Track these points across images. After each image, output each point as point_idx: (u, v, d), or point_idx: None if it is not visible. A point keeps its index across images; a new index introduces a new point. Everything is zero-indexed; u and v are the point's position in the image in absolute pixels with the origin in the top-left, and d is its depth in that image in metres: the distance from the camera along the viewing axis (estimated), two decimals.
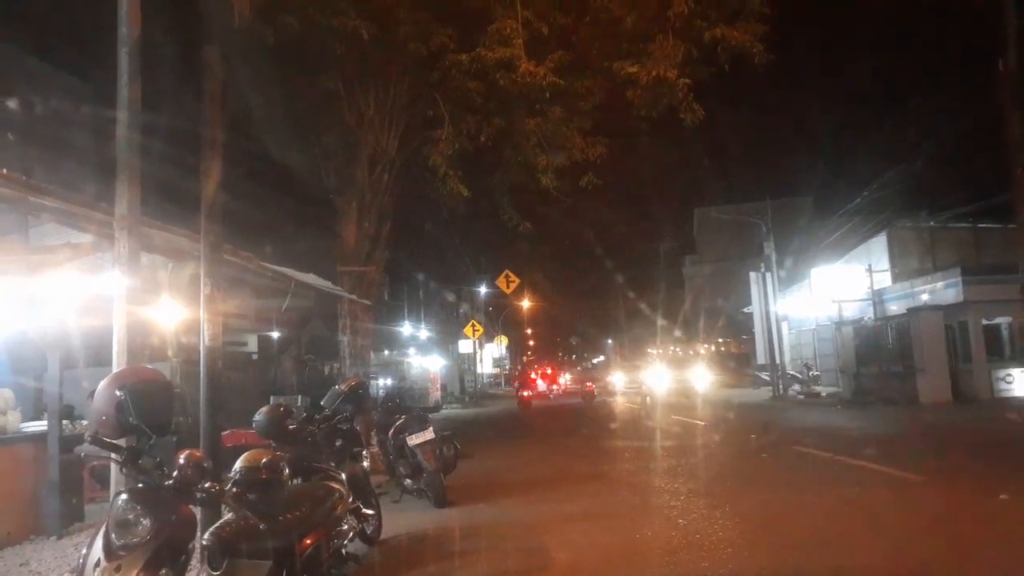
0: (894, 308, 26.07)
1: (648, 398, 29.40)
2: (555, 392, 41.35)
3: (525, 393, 30.81)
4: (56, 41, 13.53)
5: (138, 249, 6.20)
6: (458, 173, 13.01)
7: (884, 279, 27.54)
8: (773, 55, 11.16)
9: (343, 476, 5.65)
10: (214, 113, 6.66)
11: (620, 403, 31.28)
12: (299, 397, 11.65)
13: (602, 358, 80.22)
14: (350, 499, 5.37)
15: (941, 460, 10.42)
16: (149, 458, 3.65)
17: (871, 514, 7.25)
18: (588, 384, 36.66)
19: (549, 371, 45.26)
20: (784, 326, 31.64)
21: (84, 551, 3.62)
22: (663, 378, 30.19)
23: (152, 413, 3.69)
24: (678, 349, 38.21)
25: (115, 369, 5.47)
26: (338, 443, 6.54)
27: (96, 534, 3.60)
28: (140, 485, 3.61)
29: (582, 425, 19.90)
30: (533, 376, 40.90)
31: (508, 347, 59.38)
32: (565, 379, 50.37)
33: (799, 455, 11.54)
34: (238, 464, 4.23)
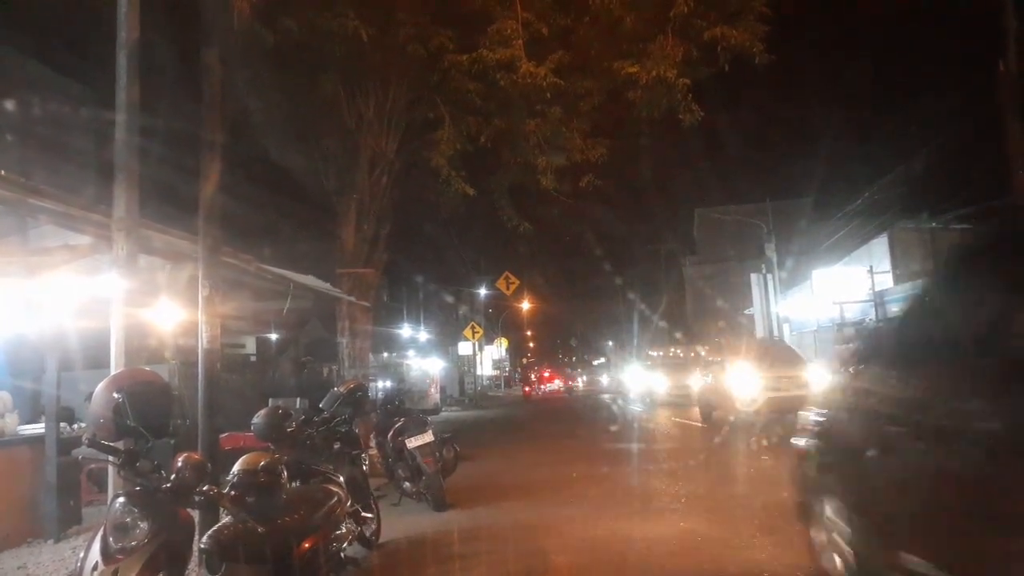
0: (896, 310, 25.98)
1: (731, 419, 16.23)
2: (545, 389, 54.97)
3: (527, 388, 47.93)
4: (55, 43, 13.52)
5: (136, 251, 6.19)
6: (461, 174, 13.01)
7: (886, 280, 27.48)
8: (773, 55, 11.17)
9: (342, 479, 5.62)
10: (213, 115, 6.64)
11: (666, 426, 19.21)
12: (297, 399, 11.61)
13: (602, 360, 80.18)
14: (349, 502, 5.34)
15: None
16: (147, 461, 3.65)
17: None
18: (569, 382, 57.79)
19: (544, 374, 61.72)
20: (785, 328, 31.56)
21: (82, 554, 3.61)
22: (750, 381, 15.41)
23: (150, 416, 3.68)
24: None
25: (113, 371, 5.45)
26: (337, 446, 6.51)
27: (94, 537, 3.59)
28: (138, 488, 3.61)
29: (582, 429, 19.86)
30: (534, 378, 56.45)
31: (508, 349, 59.43)
32: (557, 383, 59.94)
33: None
34: (236, 467, 4.21)
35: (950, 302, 3.98)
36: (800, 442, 5.53)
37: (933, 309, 4.21)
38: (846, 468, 4.54)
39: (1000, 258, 3.70)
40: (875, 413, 4.34)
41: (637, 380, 34.03)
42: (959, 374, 3.56)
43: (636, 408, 26.45)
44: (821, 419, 5.27)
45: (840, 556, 4.50)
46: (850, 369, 5.03)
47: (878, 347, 4.81)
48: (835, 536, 4.60)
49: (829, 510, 4.69)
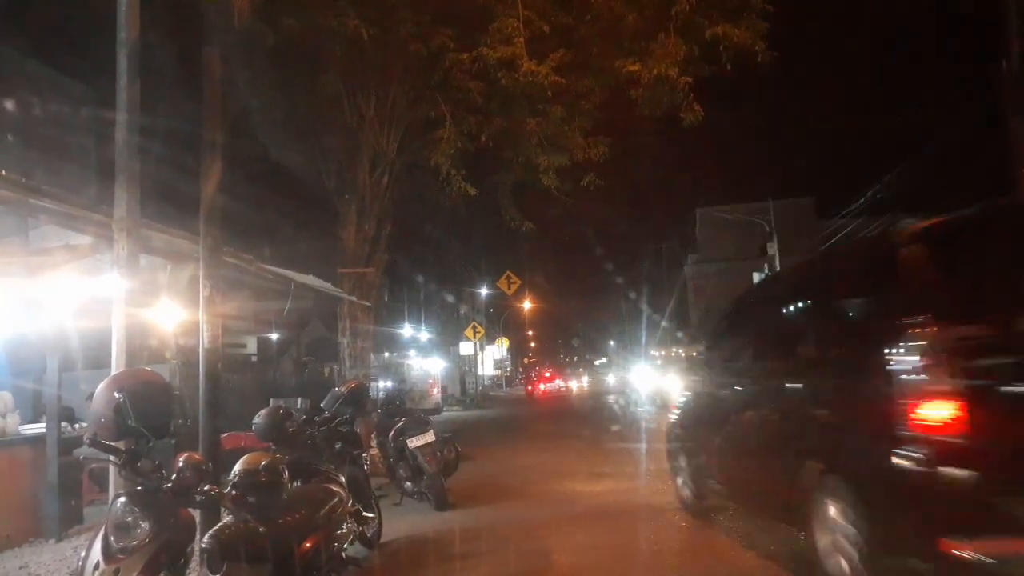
0: None
1: None
2: (546, 388, 57.61)
3: (529, 388, 51.84)
4: (56, 43, 13.53)
5: (137, 251, 6.17)
6: (462, 173, 13.01)
7: None
8: (775, 53, 11.15)
9: (343, 479, 5.62)
10: (213, 115, 6.64)
11: None
12: (299, 399, 11.61)
13: (604, 360, 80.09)
14: (350, 502, 5.34)
15: None
16: (148, 460, 3.65)
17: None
18: (568, 381, 62.94)
19: (546, 374, 64.53)
20: None
21: (83, 554, 3.62)
22: None
23: (151, 415, 3.68)
24: None
25: (114, 371, 5.45)
26: (338, 446, 6.50)
27: (95, 537, 3.60)
28: (139, 488, 3.61)
29: (586, 429, 19.82)
30: (535, 378, 58.79)
31: (509, 349, 59.51)
32: (558, 383, 62.10)
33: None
34: (237, 467, 4.21)
35: (732, 330, 7.33)
36: (671, 416, 8.68)
37: (723, 334, 7.56)
38: (688, 431, 7.77)
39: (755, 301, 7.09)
40: (696, 396, 7.93)
41: (647, 381, 31.95)
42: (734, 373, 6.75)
43: (647, 410, 24.76)
44: (683, 399, 8.52)
45: (688, 489, 7.64)
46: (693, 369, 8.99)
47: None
48: (684, 476, 7.70)
49: (682, 460, 7.79)
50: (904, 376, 4.05)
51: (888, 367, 4.16)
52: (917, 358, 3.96)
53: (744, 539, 6.46)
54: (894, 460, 3.97)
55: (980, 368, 3.84)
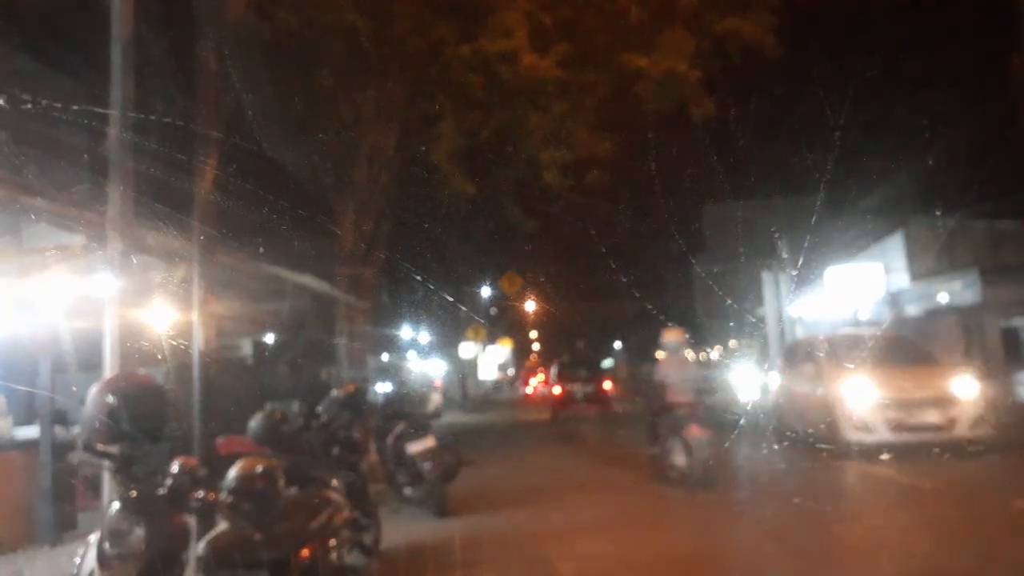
0: (912, 309, 25.67)
1: None
2: (545, 393, 57.79)
3: (529, 392, 52.65)
4: (48, 38, 13.37)
5: (130, 250, 6.08)
6: (461, 170, 12.88)
7: (901, 279, 27.18)
8: (784, 48, 11.04)
9: (340, 485, 5.50)
10: (208, 112, 6.56)
11: None
12: (295, 403, 11.49)
13: (610, 362, 79.55)
14: (348, 509, 5.23)
15: (956, 468, 10.22)
16: (142, 466, 3.61)
17: (885, 522, 7.10)
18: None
19: (544, 378, 64.51)
20: (798, 328, 31.27)
21: (77, 560, 3.60)
22: None
23: (145, 419, 3.66)
24: None
25: (107, 373, 5.35)
26: (335, 451, 6.37)
27: (90, 544, 3.56)
28: (133, 494, 3.56)
29: (588, 434, 19.71)
30: (536, 381, 58.25)
31: (512, 351, 59.28)
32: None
33: (814, 462, 11.33)
34: (233, 472, 4.14)
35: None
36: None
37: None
38: None
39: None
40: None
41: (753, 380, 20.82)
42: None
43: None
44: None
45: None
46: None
47: None
48: None
49: None
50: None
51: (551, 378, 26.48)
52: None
53: None
54: (553, 396, 24.66)
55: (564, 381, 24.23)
